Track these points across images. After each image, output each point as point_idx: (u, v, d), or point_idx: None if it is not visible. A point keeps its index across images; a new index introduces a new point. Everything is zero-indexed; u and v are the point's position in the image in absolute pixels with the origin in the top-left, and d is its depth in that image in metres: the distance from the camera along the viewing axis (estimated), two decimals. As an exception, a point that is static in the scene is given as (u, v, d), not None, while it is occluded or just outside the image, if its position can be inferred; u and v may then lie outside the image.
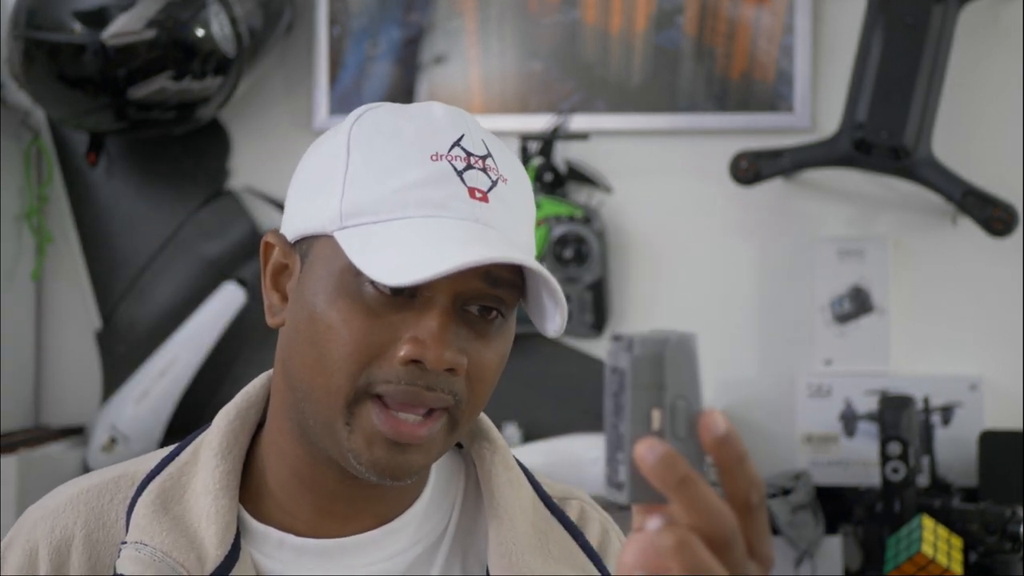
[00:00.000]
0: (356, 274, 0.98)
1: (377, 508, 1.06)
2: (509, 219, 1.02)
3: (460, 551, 1.08)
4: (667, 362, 0.74)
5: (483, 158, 1.01)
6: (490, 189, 1.01)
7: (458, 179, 1.00)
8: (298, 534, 1.05)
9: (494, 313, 1.01)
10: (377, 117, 1.04)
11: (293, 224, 1.05)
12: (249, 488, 1.06)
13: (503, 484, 1.09)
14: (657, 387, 0.74)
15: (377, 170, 1.00)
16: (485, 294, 0.99)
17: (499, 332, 1.02)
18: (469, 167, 1.00)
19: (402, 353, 0.97)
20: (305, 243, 1.03)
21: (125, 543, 1.02)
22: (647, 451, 0.73)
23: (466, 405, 1.00)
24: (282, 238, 1.05)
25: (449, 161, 1.00)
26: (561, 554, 1.09)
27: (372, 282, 0.98)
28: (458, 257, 0.94)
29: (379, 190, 0.99)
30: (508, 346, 1.03)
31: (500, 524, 1.07)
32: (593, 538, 1.13)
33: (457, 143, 1.01)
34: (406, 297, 0.98)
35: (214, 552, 1.01)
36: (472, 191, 0.99)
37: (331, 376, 0.99)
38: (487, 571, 1.07)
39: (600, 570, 1.10)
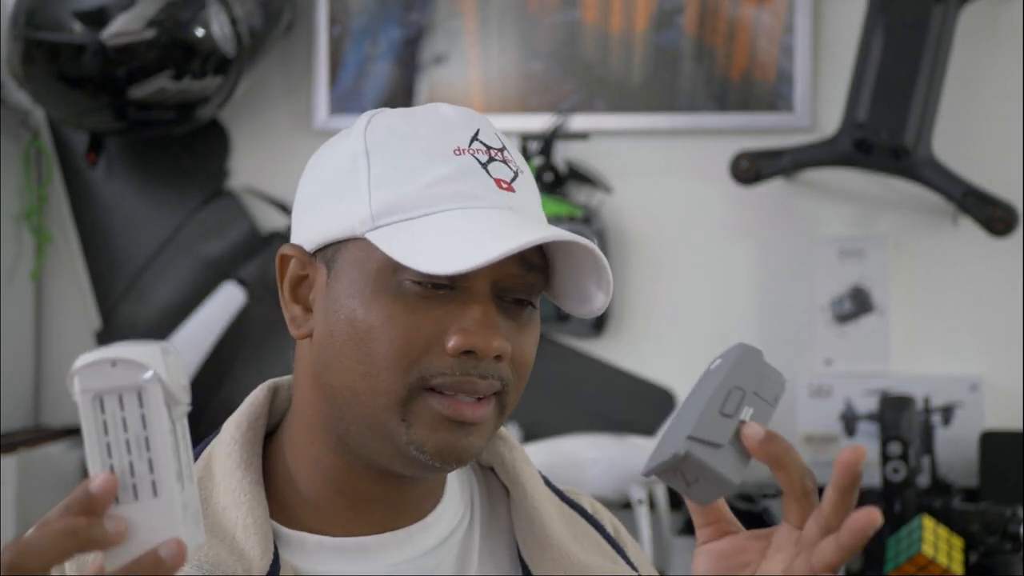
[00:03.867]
0: (394, 272, 0.99)
1: (409, 508, 1.06)
2: (535, 206, 1.05)
3: (489, 546, 1.09)
4: (733, 360, 0.96)
5: (500, 151, 1.03)
6: (513, 180, 1.02)
7: (483, 171, 1.01)
8: (333, 537, 1.05)
9: (525, 301, 1.02)
10: (389, 120, 1.04)
11: (312, 233, 1.04)
12: (272, 497, 1.06)
13: (530, 480, 1.11)
14: (723, 375, 0.94)
15: (403, 169, 1.01)
16: (520, 280, 1.01)
17: (531, 319, 1.04)
18: (491, 159, 1.02)
19: (452, 344, 0.98)
20: (330, 250, 1.02)
21: None
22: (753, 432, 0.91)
23: (512, 389, 1.02)
24: (299, 249, 1.04)
25: (472, 155, 1.01)
26: (591, 545, 1.11)
27: (412, 279, 0.98)
28: (511, 241, 0.95)
29: (409, 187, 1.00)
30: (539, 332, 1.05)
31: (533, 520, 1.09)
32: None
33: (475, 138, 1.02)
34: (446, 290, 0.99)
35: (259, 562, 1.00)
36: (499, 182, 1.01)
37: (378, 376, 0.99)
38: (523, 566, 1.08)
39: (626, 560, 1.11)
